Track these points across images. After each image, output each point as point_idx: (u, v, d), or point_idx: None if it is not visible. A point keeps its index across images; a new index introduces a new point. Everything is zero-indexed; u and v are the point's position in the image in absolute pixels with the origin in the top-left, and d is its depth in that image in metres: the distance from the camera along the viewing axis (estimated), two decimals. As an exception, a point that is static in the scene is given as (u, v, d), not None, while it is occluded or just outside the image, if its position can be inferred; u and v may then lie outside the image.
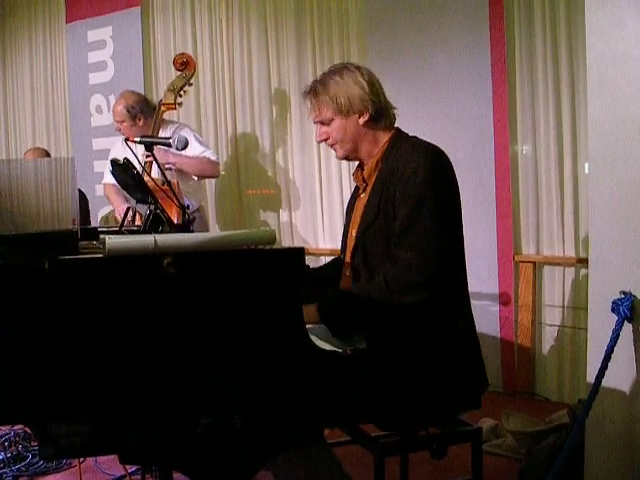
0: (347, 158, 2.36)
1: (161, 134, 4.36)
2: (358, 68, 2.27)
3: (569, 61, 4.01)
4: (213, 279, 1.71)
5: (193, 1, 5.62)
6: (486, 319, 4.18)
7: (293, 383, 1.80)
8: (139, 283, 1.63)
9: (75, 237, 1.73)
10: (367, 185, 2.31)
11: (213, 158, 4.39)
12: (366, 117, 2.23)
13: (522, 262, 4.25)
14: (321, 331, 2.10)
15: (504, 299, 4.27)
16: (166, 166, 4.16)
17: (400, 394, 1.99)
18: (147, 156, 3.62)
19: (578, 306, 4.05)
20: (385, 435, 2.13)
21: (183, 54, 4.60)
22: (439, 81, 4.40)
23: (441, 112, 4.40)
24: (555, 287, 4.20)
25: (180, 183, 4.26)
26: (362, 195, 2.35)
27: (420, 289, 2.04)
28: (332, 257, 2.83)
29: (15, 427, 3.54)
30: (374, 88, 2.25)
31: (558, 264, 4.16)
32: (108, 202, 4.84)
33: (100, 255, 1.62)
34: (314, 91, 2.27)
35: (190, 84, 4.52)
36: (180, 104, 4.44)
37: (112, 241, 1.57)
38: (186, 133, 4.17)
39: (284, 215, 5.37)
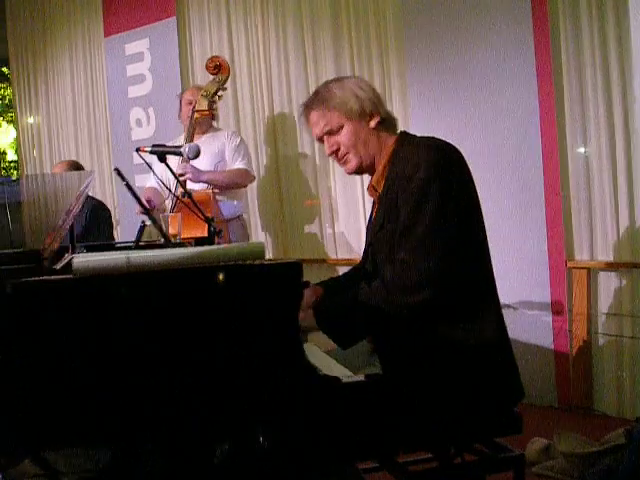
0: (360, 167, 2.24)
1: (211, 140, 4.38)
2: (355, 77, 2.27)
3: (619, 56, 3.78)
4: (202, 296, 1.57)
5: (228, 8, 5.57)
6: (538, 330, 4.02)
7: (288, 407, 1.63)
8: (113, 303, 1.49)
9: (38, 257, 1.58)
10: (377, 192, 2.21)
11: (242, 167, 4.36)
12: (377, 119, 2.16)
13: (575, 268, 4.03)
14: (339, 354, 1.97)
15: (557, 308, 4.05)
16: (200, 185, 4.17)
17: (423, 418, 1.84)
18: (180, 175, 3.65)
19: (637, 314, 3.82)
20: (415, 461, 1.96)
21: (216, 57, 4.40)
22: (481, 81, 4.25)
23: (484, 113, 4.25)
24: (611, 294, 3.96)
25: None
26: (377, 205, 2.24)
27: (419, 290, 1.90)
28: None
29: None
30: (377, 94, 2.20)
31: (614, 269, 3.93)
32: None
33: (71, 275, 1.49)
34: (318, 101, 2.18)
35: (224, 89, 4.37)
36: (215, 110, 4.31)
37: (79, 260, 1.44)
38: (235, 141, 4.39)
39: (327, 226, 5.24)
